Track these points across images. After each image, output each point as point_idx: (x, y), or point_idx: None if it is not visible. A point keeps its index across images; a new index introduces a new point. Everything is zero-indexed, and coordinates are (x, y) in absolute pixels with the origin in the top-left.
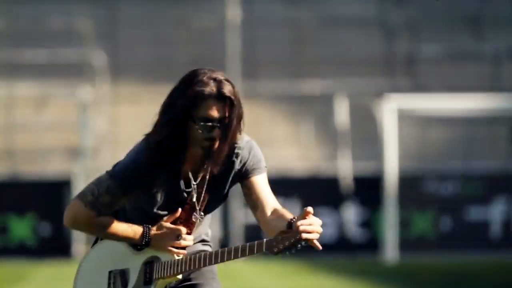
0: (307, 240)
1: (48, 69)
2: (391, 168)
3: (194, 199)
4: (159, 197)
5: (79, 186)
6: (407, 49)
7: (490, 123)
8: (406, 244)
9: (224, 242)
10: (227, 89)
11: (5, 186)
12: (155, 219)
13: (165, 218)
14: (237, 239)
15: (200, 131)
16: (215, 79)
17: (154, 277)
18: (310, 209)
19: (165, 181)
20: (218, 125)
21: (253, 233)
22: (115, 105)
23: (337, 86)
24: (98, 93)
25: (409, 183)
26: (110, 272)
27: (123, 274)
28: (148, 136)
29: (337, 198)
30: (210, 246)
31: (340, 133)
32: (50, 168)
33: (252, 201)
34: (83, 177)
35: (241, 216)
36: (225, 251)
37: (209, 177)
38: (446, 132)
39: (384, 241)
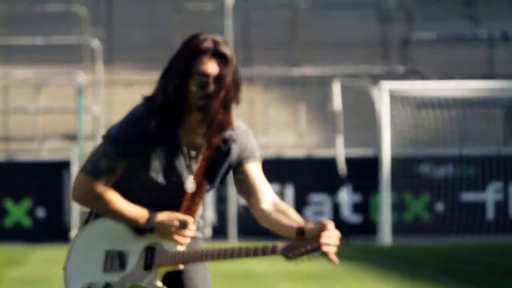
0: (326, 253)
1: (44, 53)
2: (386, 152)
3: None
4: (158, 164)
5: (75, 170)
6: (402, 33)
7: (485, 107)
8: (401, 227)
9: (218, 226)
10: (224, 47)
11: (1, 170)
12: (158, 200)
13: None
14: (231, 224)
15: (195, 89)
16: (213, 39)
17: (155, 263)
18: (329, 222)
19: (164, 148)
20: (213, 82)
21: (247, 215)
22: (110, 90)
23: (332, 71)
24: (94, 77)
25: (403, 166)
26: (107, 252)
27: (121, 256)
28: (146, 98)
29: (332, 182)
30: (203, 233)
31: (335, 118)
32: (46, 152)
33: (247, 187)
34: (79, 161)
35: (235, 199)
36: (235, 249)
37: (205, 159)
38: (441, 116)
39: (379, 225)
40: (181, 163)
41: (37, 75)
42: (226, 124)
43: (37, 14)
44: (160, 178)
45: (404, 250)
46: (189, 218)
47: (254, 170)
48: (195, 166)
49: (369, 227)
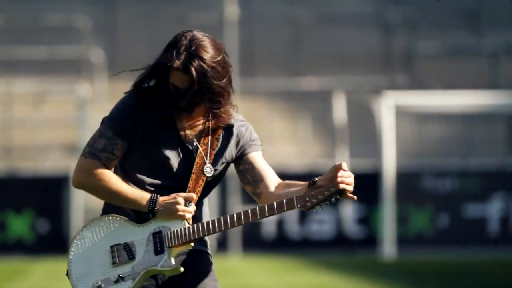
0: (344, 191)
1: (46, 65)
2: (389, 165)
3: (199, 152)
4: (156, 144)
5: None
6: (405, 46)
7: (488, 120)
8: (404, 240)
9: (222, 238)
10: (195, 64)
11: (2, 183)
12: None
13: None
14: (235, 236)
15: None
16: (190, 51)
17: (166, 245)
18: (344, 164)
19: (160, 129)
20: (186, 95)
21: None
22: (113, 102)
23: (335, 83)
24: (96, 90)
25: (407, 179)
26: (112, 247)
27: (127, 247)
28: (135, 84)
29: None
30: (206, 246)
31: (338, 130)
32: (48, 164)
33: (252, 175)
34: None
35: (238, 202)
36: (249, 212)
37: (206, 145)
38: (444, 129)
39: (382, 238)
40: (181, 148)
41: (39, 87)
42: (223, 113)
43: (39, 26)
44: (166, 152)
45: (407, 263)
46: (192, 194)
47: (258, 158)
48: (197, 151)
49: (371, 240)
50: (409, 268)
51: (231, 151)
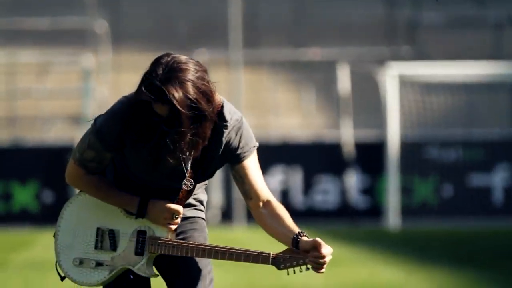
0: (316, 270)
1: (51, 36)
2: (393, 135)
3: (184, 166)
4: (147, 158)
5: None
6: (409, 16)
7: (491, 90)
8: (408, 211)
9: (226, 209)
10: (171, 96)
11: (7, 153)
12: (148, 189)
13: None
14: (239, 208)
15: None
16: (169, 81)
17: (146, 250)
18: (323, 248)
19: (152, 143)
20: (165, 121)
21: None
22: (117, 73)
23: (339, 54)
24: (100, 60)
25: (411, 150)
26: (98, 228)
27: (111, 235)
28: (129, 95)
29: (339, 165)
30: (203, 212)
31: (342, 100)
32: (52, 135)
33: (243, 190)
34: None
35: None
36: (227, 250)
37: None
38: (448, 99)
39: (387, 208)
40: (169, 160)
41: (43, 58)
42: (217, 129)
43: None
44: (150, 173)
45: (412, 233)
46: (179, 209)
47: (248, 170)
48: (187, 160)
49: (376, 211)
50: (414, 238)
51: (220, 161)
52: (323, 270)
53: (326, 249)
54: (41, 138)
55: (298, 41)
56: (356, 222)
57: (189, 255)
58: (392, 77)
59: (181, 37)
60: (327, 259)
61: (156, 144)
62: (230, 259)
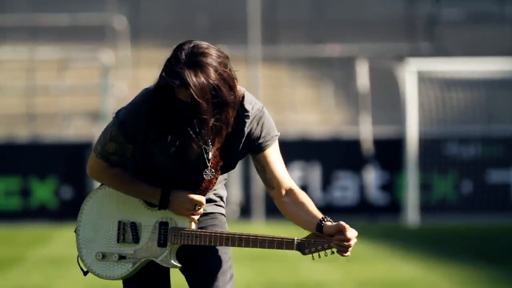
0: (341, 253)
1: (70, 32)
2: (412, 132)
3: (206, 156)
4: (170, 150)
5: None
6: (428, 12)
7: (511, 86)
8: (427, 207)
9: (245, 205)
10: (193, 81)
11: (27, 149)
12: (170, 183)
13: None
14: (258, 204)
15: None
16: (191, 66)
17: (169, 241)
18: (348, 231)
19: (174, 134)
20: (190, 106)
21: None
22: (136, 69)
23: (358, 50)
24: (119, 56)
25: (430, 146)
26: (119, 222)
27: (134, 227)
28: (149, 87)
29: (358, 161)
30: (223, 207)
31: (361, 96)
32: (71, 131)
33: (265, 179)
34: None
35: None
36: (251, 238)
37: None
38: (467, 95)
39: (405, 204)
40: (194, 147)
41: (63, 54)
42: (239, 118)
43: None
44: (173, 166)
45: (430, 230)
46: (202, 199)
47: (270, 158)
48: (210, 150)
49: (395, 207)
50: (432, 235)
51: (246, 144)
52: (348, 253)
53: (352, 232)
54: (60, 135)
55: (316, 37)
56: (375, 218)
57: (212, 244)
58: (411, 73)
59: (200, 33)
60: (352, 242)
61: (181, 131)
62: (254, 246)
